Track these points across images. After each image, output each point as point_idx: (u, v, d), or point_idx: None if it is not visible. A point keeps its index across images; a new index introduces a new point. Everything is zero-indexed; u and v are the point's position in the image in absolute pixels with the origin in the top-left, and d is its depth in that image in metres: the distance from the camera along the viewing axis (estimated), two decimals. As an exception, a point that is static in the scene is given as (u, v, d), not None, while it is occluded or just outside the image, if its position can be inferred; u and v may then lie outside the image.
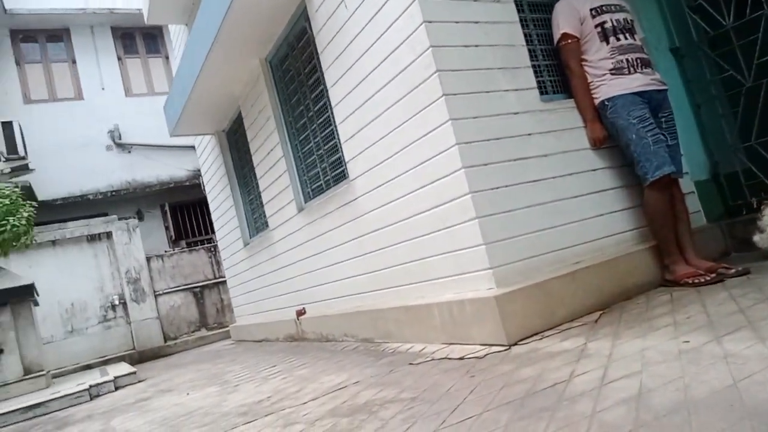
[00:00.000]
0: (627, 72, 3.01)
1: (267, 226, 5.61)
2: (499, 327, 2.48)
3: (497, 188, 2.72)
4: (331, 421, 2.04)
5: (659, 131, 2.97)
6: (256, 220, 6.25)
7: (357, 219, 3.76)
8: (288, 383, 3.04)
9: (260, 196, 5.64)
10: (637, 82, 3.00)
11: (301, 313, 5.00)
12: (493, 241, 2.64)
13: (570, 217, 2.92)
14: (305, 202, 4.73)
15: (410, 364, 2.66)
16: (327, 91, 3.88)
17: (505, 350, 2.40)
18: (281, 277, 5.43)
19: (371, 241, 3.62)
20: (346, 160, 3.78)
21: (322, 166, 4.36)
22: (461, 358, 2.47)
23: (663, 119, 3.09)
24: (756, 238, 3.03)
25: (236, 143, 6.31)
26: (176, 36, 7.68)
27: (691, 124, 3.78)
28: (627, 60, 3.03)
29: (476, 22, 2.89)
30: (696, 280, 2.76)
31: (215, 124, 6.37)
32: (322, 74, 3.91)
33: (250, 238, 6.44)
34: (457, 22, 2.83)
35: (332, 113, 3.89)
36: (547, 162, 2.93)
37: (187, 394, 3.65)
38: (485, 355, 2.40)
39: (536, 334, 2.51)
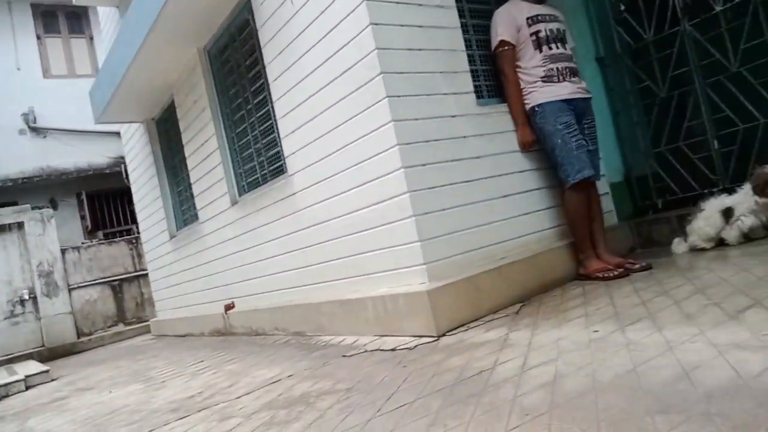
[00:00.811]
0: (557, 80, 3.22)
1: (197, 218, 5.49)
2: (429, 319, 2.60)
3: (434, 188, 2.84)
4: (268, 413, 2.08)
5: (582, 137, 3.20)
6: (184, 212, 6.09)
7: (294, 214, 3.77)
8: (219, 378, 3.03)
9: (191, 188, 5.50)
10: (565, 90, 3.21)
11: (229, 307, 4.95)
12: (428, 238, 2.76)
13: (499, 215, 3.10)
14: (240, 196, 4.67)
15: (343, 356, 2.74)
16: (268, 85, 3.86)
17: (434, 341, 2.53)
18: (210, 270, 5.34)
19: (308, 236, 3.65)
20: (286, 155, 3.78)
21: (259, 160, 4.32)
22: (393, 350, 2.58)
23: (585, 125, 3.32)
24: (675, 244, 3.33)
25: (167, 132, 6.10)
26: (106, 18, 7.28)
27: (609, 130, 4.08)
28: (557, 69, 3.23)
29: (420, 27, 2.99)
30: (605, 275, 3.01)
31: (145, 112, 6.13)
32: (264, 68, 3.88)
33: (177, 230, 6.26)
34: (402, 26, 2.92)
35: (273, 107, 3.88)
36: (480, 163, 3.09)
37: (110, 392, 3.53)
38: (416, 346, 2.52)
39: (463, 325, 2.66)
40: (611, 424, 1.28)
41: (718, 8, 3.48)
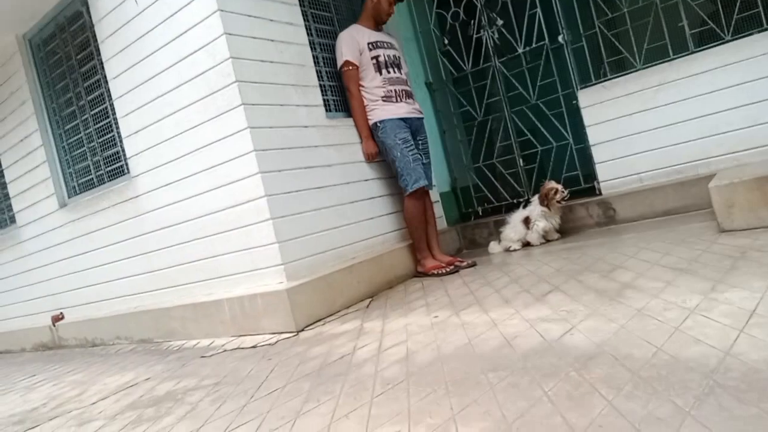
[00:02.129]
0: (395, 100, 3.63)
1: (13, 221, 4.93)
2: (288, 316, 2.79)
3: (289, 192, 3.03)
4: (133, 413, 2.09)
5: (417, 151, 3.65)
6: (-5, 215, 5.40)
7: (138, 217, 3.66)
8: (63, 389, 2.87)
9: (6, 188, 4.93)
10: (402, 109, 3.64)
11: (58, 318, 4.56)
12: (285, 239, 2.94)
13: (349, 219, 3.40)
14: (69, 197, 4.35)
15: (202, 357, 2.80)
16: (107, 82, 3.70)
17: (294, 336, 2.73)
18: (32, 279, 4.84)
19: (155, 239, 3.58)
20: (128, 155, 3.66)
21: (94, 159, 4.09)
22: (254, 347, 2.72)
23: (420, 141, 3.79)
24: (491, 246, 3.96)
25: (-31, 124, 5.35)
26: None
27: (438, 146, 4.66)
28: (395, 90, 3.65)
29: (272, 41, 3.17)
30: (439, 271, 3.49)
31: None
32: (101, 64, 3.70)
33: (-14, 235, 5.52)
34: (254, 38, 3.06)
35: (112, 106, 3.72)
36: (330, 171, 3.36)
37: None
38: (276, 342, 2.69)
39: (320, 320, 2.90)
40: (455, 382, 1.63)
41: (520, 50, 4.22)
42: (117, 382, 2.69)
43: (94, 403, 2.39)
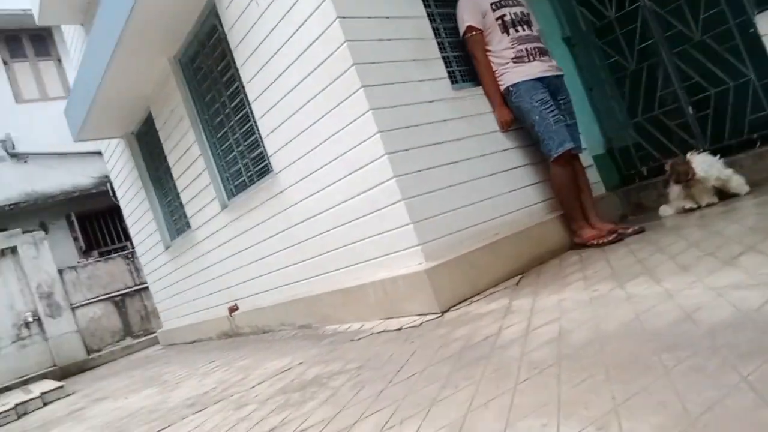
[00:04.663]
0: (527, 60, 3.29)
1: (189, 226, 5.51)
2: (431, 297, 2.66)
3: (419, 171, 2.90)
4: (282, 397, 2.13)
5: (559, 112, 3.27)
6: (176, 222, 6.10)
7: (285, 211, 3.82)
8: (231, 374, 3.08)
9: (179, 197, 5.52)
10: (536, 69, 3.28)
11: (233, 309, 4.98)
12: (419, 219, 2.82)
13: (486, 194, 3.17)
14: (228, 199, 4.70)
15: (351, 340, 2.80)
16: (243, 87, 3.90)
17: (438, 317, 2.59)
18: (209, 275, 5.36)
19: (301, 231, 3.70)
20: (269, 153, 3.82)
21: (243, 162, 4.36)
22: (399, 329, 2.64)
23: (561, 101, 3.40)
24: (662, 209, 3.42)
25: (147, 145, 6.11)
26: (71, 37, 7.25)
27: (585, 105, 4.17)
28: (526, 49, 3.30)
29: (387, 17, 3.04)
30: (600, 241, 3.09)
31: (123, 127, 6.12)
32: (237, 71, 3.91)
33: (171, 240, 6.28)
34: (369, 17, 2.97)
35: (251, 109, 3.91)
36: (461, 145, 3.15)
37: (126, 398, 3.58)
38: (421, 324, 2.58)
39: (465, 300, 2.73)
40: (618, 366, 1.35)
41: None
42: (275, 367, 2.80)
43: (252, 387, 2.50)
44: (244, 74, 3.81)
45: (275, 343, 3.68)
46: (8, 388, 7.37)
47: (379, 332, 2.73)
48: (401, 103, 2.95)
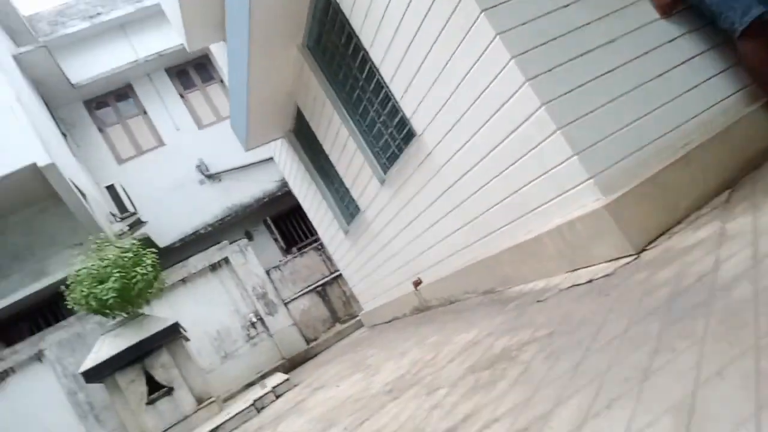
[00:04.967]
0: None
1: (359, 209, 5.65)
2: (620, 237, 2.28)
3: (570, 92, 2.48)
4: (472, 377, 1.99)
5: (737, -30, 2.53)
6: (348, 206, 6.32)
7: (438, 172, 3.64)
8: (424, 353, 3.04)
9: (343, 182, 5.68)
10: None
11: (417, 283, 5.00)
12: (584, 148, 2.42)
13: (661, 99, 2.60)
14: (384, 173, 4.67)
15: (538, 301, 2.54)
16: (368, 52, 3.76)
17: (634, 259, 2.21)
18: (388, 253, 5.46)
19: (459, 190, 3.49)
20: (408, 115, 3.66)
21: (388, 132, 4.26)
22: (590, 281, 2.31)
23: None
24: None
25: (305, 138, 6.37)
26: (219, 54, 7.85)
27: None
28: None
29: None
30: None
31: (281, 126, 6.46)
32: (358, 38, 3.78)
33: (348, 225, 6.53)
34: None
35: (380, 74, 3.77)
36: (615, 48, 2.62)
37: (337, 386, 3.80)
38: (614, 271, 2.22)
39: (663, 233, 2.28)
40: None
41: None
42: (464, 340, 2.68)
43: (443, 367, 2.41)
44: (365, 39, 3.67)
45: (462, 314, 3.57)
46: (251, 384, 8.50)
47: (567, 288, 2.43)
48: (532, 16, 2.55)
